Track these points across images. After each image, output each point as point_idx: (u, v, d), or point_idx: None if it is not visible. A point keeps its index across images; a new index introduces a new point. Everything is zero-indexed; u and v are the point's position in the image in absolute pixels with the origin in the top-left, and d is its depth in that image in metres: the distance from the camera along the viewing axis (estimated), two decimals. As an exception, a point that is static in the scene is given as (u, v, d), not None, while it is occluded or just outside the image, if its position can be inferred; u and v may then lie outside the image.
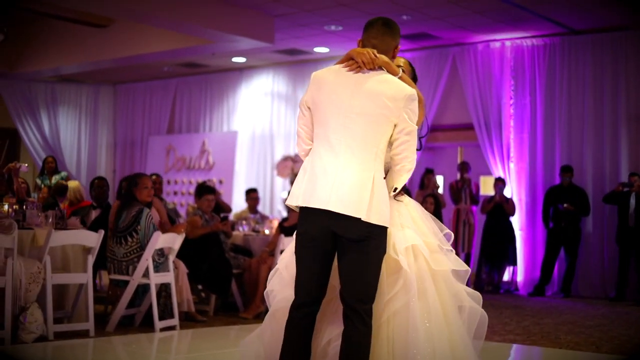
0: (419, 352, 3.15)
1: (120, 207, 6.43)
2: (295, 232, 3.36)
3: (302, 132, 3.38)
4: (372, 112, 3.19)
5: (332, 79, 3.29)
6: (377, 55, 3.27)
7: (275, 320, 3.43)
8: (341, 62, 3.34)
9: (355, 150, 3.19)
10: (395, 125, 3.21)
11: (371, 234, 3.16)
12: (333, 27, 10.49)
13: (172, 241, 6.38)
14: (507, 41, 10.88)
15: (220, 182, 12.65)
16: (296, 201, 3.28)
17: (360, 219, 3.12)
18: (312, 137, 3.34)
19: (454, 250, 3.49)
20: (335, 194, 3.15)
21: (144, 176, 6.56)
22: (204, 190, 7.73)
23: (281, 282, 3.49)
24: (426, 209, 9.90)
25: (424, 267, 3.30)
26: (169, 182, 13.33)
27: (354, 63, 3.27)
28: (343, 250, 3.20)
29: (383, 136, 3.21)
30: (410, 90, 3.23)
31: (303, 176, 3.29)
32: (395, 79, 3.27)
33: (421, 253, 3.32)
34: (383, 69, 3.29)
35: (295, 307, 3.25)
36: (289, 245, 3.52)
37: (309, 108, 3.33)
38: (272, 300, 3.51)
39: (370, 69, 3.25)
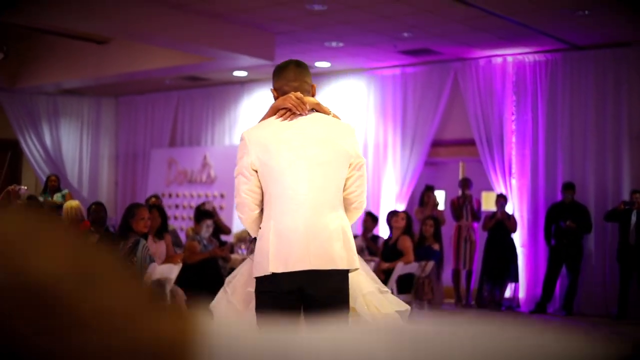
0: None
1: (117, 237, 6.42)
2: (257, 291, 3.13)
3: (249, 198, 3.16)
4: (331, 159, 3.14)
5: (274, 135, 3.15)
6: (304, 97, 3.21)
7: None
8: (268, 116, 3.24)
9: (322, 200, 3.11)
10: (350, 164, 3.20)
11: (343, 286, 3.10)
12: (334, 44, 10.45)
13: (168, 272, 6.37)
14: (508, 56, 10.82)
15: (222, 196, 12.62)
16: (265, 271, 3.04)
17: (335, 271, 3.05)
18: (259, 202, 3.18)
19: (389, 291, 3.48)
20: (313, 252, 3.03)
21: (140, 207, 6.52)
22: (203, 215, 7.71)
23: None
24: (426, 230, 9.83)
25: (376, 314, 3.25)
26: (170, 196, 13.31)
27: (285, 111, 3.18)
28: (312, 307, 3.07)
29: (343, 180, 3.20)
30: (352, 126, 3.29)
31: (267, 243, 3.06)
32: (331, 117, 3.26)
33: (372, 301, 3.28)
34: (314, 111, 3.25)
35: None
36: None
37: (255, 171, 3.14)
38: None
39: (302, 112, 3.18)
